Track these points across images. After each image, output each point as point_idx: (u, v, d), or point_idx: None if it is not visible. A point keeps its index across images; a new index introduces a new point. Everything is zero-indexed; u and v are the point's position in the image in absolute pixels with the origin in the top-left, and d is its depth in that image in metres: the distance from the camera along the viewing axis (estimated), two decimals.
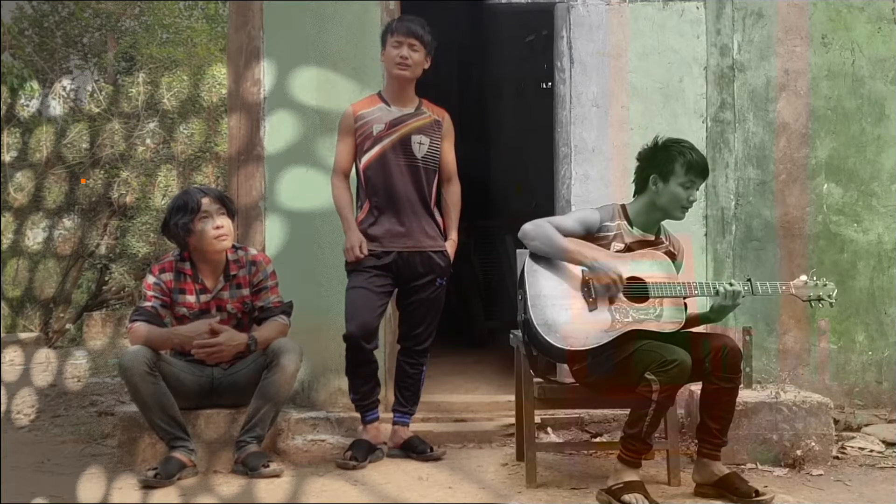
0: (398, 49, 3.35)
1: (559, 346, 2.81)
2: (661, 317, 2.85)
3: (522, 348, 3.09)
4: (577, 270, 2.91)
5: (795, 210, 4.06)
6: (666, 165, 2.92)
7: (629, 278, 2.88)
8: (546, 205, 4.26)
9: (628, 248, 2.95)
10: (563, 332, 2.82)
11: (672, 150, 2.94)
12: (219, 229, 3.23)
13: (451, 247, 3.48)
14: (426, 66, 3.42)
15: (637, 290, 2.87)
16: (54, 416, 4.34)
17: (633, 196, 3.05)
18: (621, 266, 2.88)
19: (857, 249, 4.07)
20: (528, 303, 2.87)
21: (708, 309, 2.98)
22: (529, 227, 2.95)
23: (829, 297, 2.92)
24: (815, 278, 2.95)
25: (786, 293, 2.92)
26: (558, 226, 2.94)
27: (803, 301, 2.94)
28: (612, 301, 2.86)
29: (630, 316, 2.84)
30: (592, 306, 2.86)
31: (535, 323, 2.83)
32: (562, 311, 2.86)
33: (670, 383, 2.68)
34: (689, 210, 2.85)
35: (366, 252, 3.30)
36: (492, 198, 6.76)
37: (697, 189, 2.96)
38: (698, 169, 2.92)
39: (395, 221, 3.35)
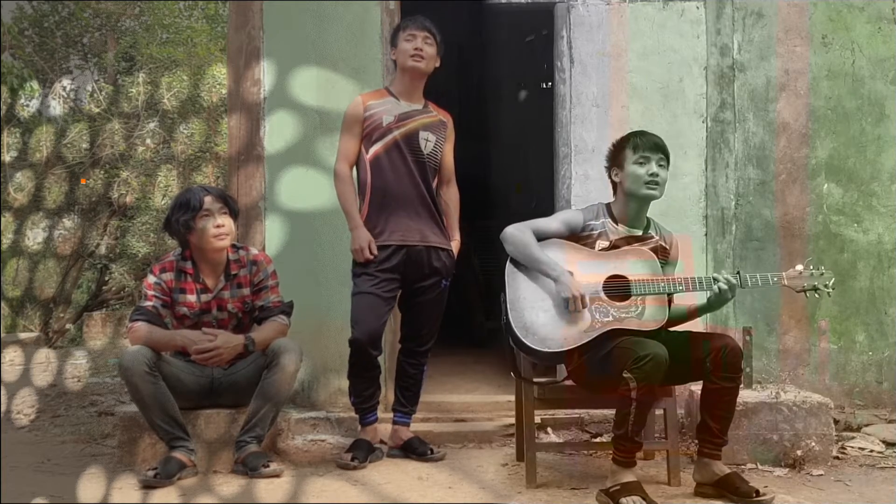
0: (412, 42, 3.33)
1: (536, 347, 2.83)
2: (643, 315, 2.85)
3: (509, 350, 3.09)
4: None
5: (795, 210, 4.06)
6: (618, 155, 3.03)
7: (611, 276, 2.88)
8: (546, 205, 4.26)
9: (614, 246, 2.96)
10: (541, 334, 2.84)
11: (620, 141, 3.06)
12: (219, 228, 3.23)
13: (454, 247, 3.48)
14: (437, 64, 3.40)
15: (619, 289, 2.87)
16: (54, 416, 4.34)
17: (612, 197, 3.10)
18: (604, 265, 2.90)
19: (857, 249, 4.07)
20: (508, 305, 2.89)
21: (704, 302, 2.99)
22: (509, 232, 2.98)
23: (826, 286, 2.88)
24: (811, 267, 2.91)
25: (778, 284, 2.90)
26: (541, 229, 2.97)
27: (797, 292, 2.91)
28: (592, 301, 2.86)
29: (611, 315, 2.85)
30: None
31: (513, 326, 2.86)
32: (540, 313, 2.87)
33: (646, 379, 2.66)
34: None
35: (375, 252, 3.26)
36: (492, 198, 6.76)
37: (659, 165, 2.96)
38: (646, 145, 2.97)
39: (403, 215, 3.32)
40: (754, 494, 2.77)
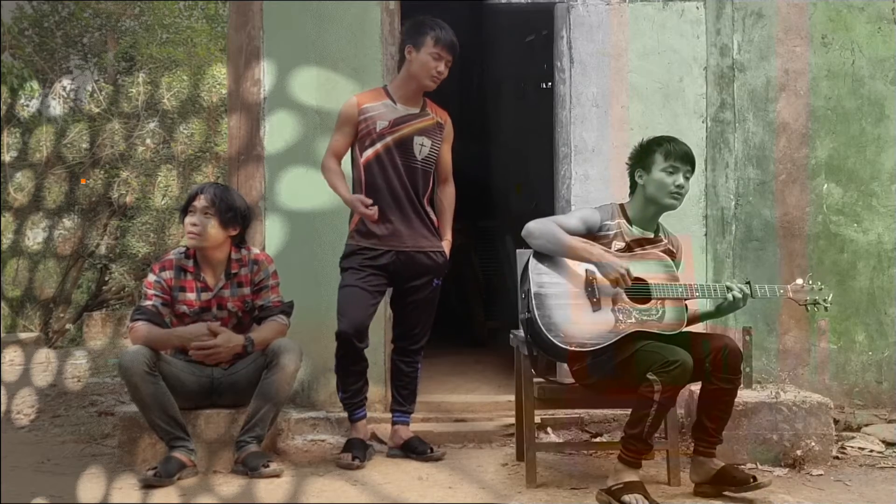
0: (437, 62, 3.29)
1: (563, 345, 2.81)
2: (664, 318, 2.86)
3: (523, 348, 3.09)
4: (580, 270, 2.92)
5: (795, 210, 4.06)
6: (647, 157, 2.99)
7: (632, 279, 2.88)
8: (546, 205, 4.26)
9: (628, 247, 2.96)
10: (566, 331, 2.82)
11: (651, 143, 3.02)
12: (193, 227, 3.25)
13: (446, 247, 3.48)
14: None
15: (639, 291, 2.87)
16: (54, 416, 4.34)
17: (629, 198, 3.08)
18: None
19: (857, 249, 4.07)
20: (532, 302, 2.86)
21: (711, 309, 3.01)
22: (534, 226, 2.95)
23: (825, 301, 2.94)
24: (810, 282, 2.96)
25: (784, 297, 2.95)
26: (562, 224, 2.95)
27: (800, 305, 2.96)
28: (615, 301, 2.86)
29: (633, 317, 2.85)
30: (596, 307, 2.86)
31: (539, 322, 2.83)
32: (565, 310, 2.86)
33: (672, 384, 2.68)
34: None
35: (369, 204, 3.23)
36: (492, 198, 6.76)
37: (685, 177, 2.96)
38: (677, 154, 2.95)
39: (394, 220, 3.33)
40: (751, 480, 2.80)
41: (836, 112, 4.09)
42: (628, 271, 2.83)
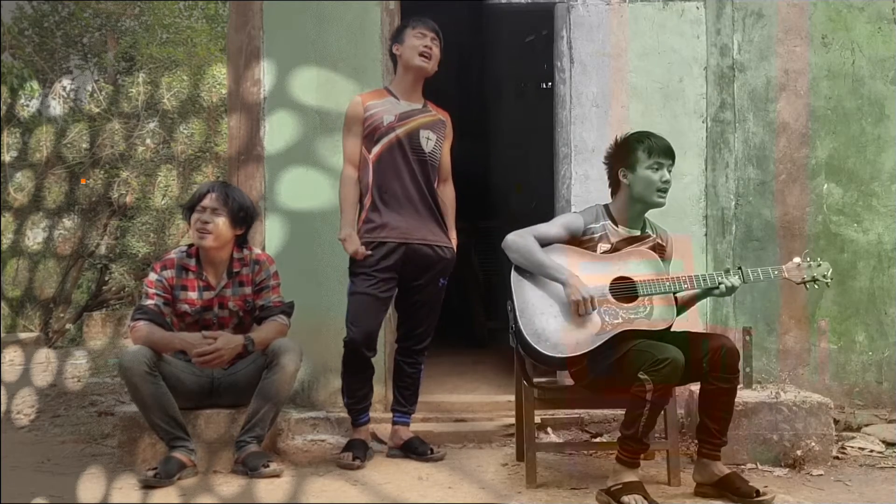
0: (422, 40, 3.34)
1: (550, 354, 2.81)
2: (652, 315, 2.85)
3: (518, 357, 3.09)
4: None
5: (795, 210, 4.06)
6: (629, 156, 2.97)
7: (617, 278, 2.88)
8: (546, 205, 4.26)
9: (615, 248, 2.96)
10: (552, 340, 2.82)
11: (630, 140, 3.00)
12: (204, 224, 3.24)
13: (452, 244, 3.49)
14: (436, 68, 3.41)
15: (626, 291, 2.87)
16: (54, 416, 4.34)
17: (611, 197, 3.07)
18: (608, 267, 2.90)
19: (857, 249, 4.07)
20: (517, 313, 2.87)
21: (700, 291, 2.99)
22: (511, 239, 2.95)
23: (825, 276, 2.91)
24: (808, 259, 2.93)
25: (779, 277, 2.92)
26: (542, 234, 2.95)
27: (797, 284, 2.93)
28: (599, 303, 2.85)
29: (620, 317, 2.84)
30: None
31: (524, 333, 2.84)
32: (550, 318, 2.86)
33: (663, 382, 2.67)
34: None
35: (366, 252, 3.26)
36: (492, 198, 6.77)
37: (669, 171, 2.95)
38: (660, 150, 2.94)
39: (405, 214, 3.33)
40: (754, 494, 2.77)
41: (836, 112, 4.09)
42: (592, 298, 2.82)
